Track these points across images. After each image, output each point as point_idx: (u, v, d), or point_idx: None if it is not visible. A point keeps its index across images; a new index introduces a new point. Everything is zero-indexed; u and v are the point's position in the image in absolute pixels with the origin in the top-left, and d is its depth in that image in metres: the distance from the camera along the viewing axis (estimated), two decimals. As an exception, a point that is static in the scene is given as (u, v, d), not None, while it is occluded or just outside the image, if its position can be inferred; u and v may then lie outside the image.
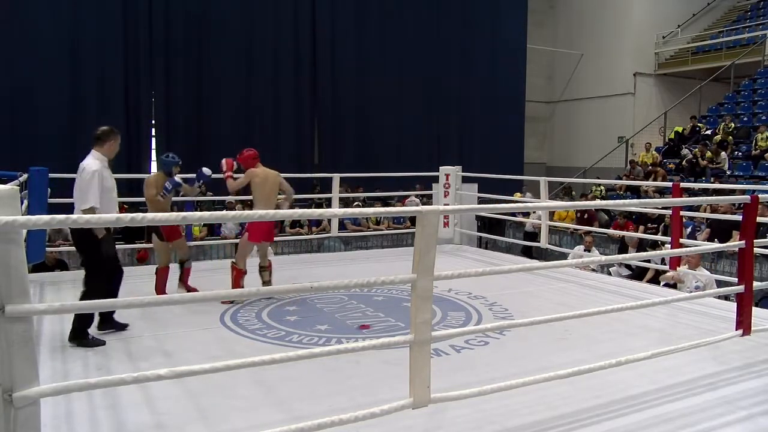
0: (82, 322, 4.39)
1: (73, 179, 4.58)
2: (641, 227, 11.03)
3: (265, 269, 5.97)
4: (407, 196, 13.18)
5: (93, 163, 4.45)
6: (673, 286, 6.77)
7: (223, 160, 6.01)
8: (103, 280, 4.50)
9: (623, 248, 10.51)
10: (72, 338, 4.39)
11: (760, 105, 15.86)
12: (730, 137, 14.48)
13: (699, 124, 16.14)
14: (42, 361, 3.81)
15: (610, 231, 10.10)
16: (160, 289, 5.75)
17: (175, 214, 2.98)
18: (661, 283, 6.98)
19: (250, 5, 15.46)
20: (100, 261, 4.47)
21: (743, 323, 4.04)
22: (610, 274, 9.11)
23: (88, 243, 4.42)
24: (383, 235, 12.17)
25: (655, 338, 4.63)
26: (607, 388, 3.61)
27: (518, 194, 12.73)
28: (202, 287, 5.63)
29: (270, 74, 15.82)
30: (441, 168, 9.15)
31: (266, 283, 5.89)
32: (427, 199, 12.94)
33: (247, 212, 3.09)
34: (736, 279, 4.27)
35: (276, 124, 15.99)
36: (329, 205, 8.56)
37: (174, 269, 5.93)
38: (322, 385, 3.68)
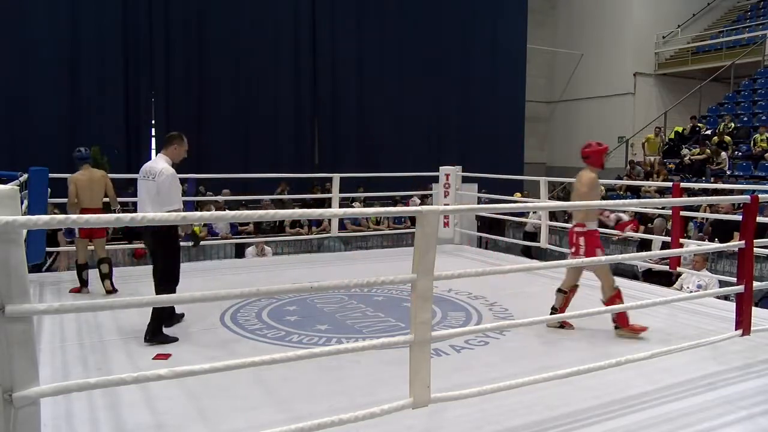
0: (158, 319, 4.51)
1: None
2: (641, 227, 11.01)
3: (566, 291, 4.99)
4: (409, 196, 13.18)
5: (167, 166, 4.64)
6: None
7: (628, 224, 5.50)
8: (176, 281, 4.68)
9: (643, 245, 10.34)
10: (148, 338, 4.47)
11: (760, 105, 15.85)
12: (727, 137, 14.48)
13: (699, 124, 16.13)
14: (42, 361, 3.81)
15: (611, 231, 10.07)
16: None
17: (175, 213, 2.98)
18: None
19: (250, 5, 15.46)
20: (177, 262, 4.73)
21: (743, 323, 4.04)
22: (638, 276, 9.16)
23: (171, 242, 4.65)
24: (383, 235, 12.17)
25: (655, 338, 4.62)
26: (607, 388, 3.61)
27: (518, 194, 12.72)
28: (202, 287, 5.62)
29: (270, 74, 15.83)
30: (441, 168, 9.15)
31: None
32: (422, 200, 12.95)
33: (246, 212, 3.08)
34: (736, 279, 4.27)
35: (276, 124, 15.99)
36: (329, 205, 8.55)
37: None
38: (322, 385, 3.68)
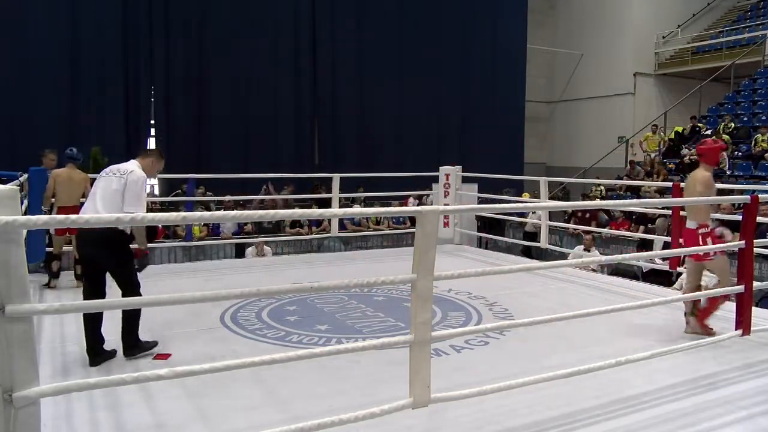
0: (133, 331, 4.17)
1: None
2: (641, 227, 11.02)
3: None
4: (410, 196, 13.18)
5: (140, 171, 4.26)
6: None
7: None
8: (138, 289, 4.21)
9: (643, 245, 10.32)
10: (129, 353, 4.16)
11: (760, 105, 15.84)
12: (726, 137, 14.47)
13: (699, 124, 16.13)
14: (42, 361, 3.81)
15: (611, 231, 10.12)
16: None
17: (175, 214, 2.98)
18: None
19: (250, 6, 15.46)
20: (133, 269, 4.26)
21: (743, 323, 4.04)
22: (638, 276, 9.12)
23: (122, 249, 4.16)
24: (383, 235, 12.17)
25: (655, 338, 4.62)
26: (607, 388, 3.61)
27: (526, 194, 12.74)
28: (202, 287, 5.63)
29: (270, 74, 15.82)
30: (441, 168, 9.15)
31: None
32: (416, 200, 12.95)
33: (247, 212, 3.08)
34: (736, 279, 4.27)
35: (276, 124, 15.98)
36: (330, 206, 8.55)
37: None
38: (322, 385, 3.68)
